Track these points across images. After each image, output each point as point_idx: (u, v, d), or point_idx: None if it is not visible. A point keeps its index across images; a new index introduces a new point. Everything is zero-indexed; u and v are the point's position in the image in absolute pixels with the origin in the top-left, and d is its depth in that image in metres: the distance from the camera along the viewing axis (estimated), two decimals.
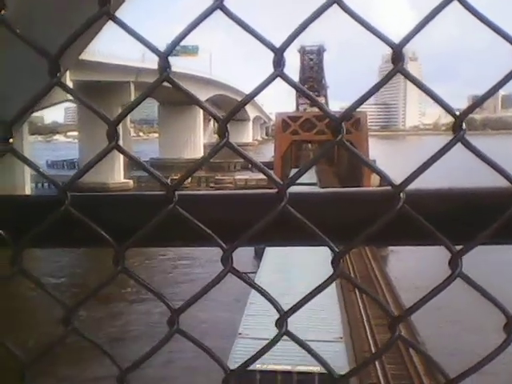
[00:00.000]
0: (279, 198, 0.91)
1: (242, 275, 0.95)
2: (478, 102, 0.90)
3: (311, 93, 0.92)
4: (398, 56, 0.84)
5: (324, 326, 17.34)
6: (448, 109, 0.87)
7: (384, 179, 0.89)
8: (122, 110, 0.92)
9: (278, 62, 0.85)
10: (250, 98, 0.89)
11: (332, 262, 0.90)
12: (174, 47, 0.88)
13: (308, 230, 0.90)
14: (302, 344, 0.96)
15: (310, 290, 0.92)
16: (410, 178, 0.87)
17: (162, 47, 0.88)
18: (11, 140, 0.94)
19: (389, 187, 0.90)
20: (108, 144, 0.90)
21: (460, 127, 0.86)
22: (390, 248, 39.46)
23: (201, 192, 1.01)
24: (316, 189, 1.00)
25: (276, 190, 0.92)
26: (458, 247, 0.89)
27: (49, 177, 1.00)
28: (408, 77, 0.86)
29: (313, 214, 0.92)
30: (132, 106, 0.92)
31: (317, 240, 0.90)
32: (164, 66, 0.87)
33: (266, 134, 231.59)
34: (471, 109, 0.89)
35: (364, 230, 0.89)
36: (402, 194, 0.88)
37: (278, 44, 0.86)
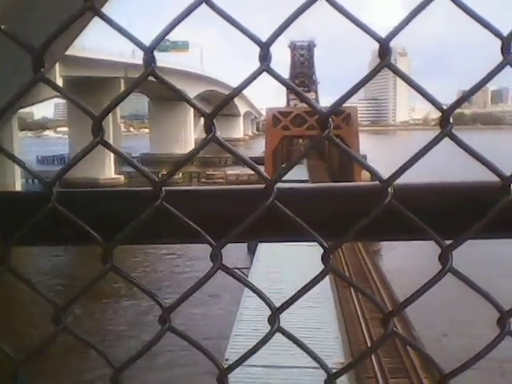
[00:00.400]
0: (267, 194, 0.90)
1: (232, 272, 0.94)
2: (464, 97, 0.90)
3: (300, 88, 0.92)
4: (385, 50, 0.84)
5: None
6: (435, 103, 0.87)
7: (372, 174, 0.88)
8: (107, 105, 0.91)
9: (264, 57, 0.85)
10: (236, 93, 0.88)
11: (322, 258, 0.89)
12: (160, 41, 0.87)
13: (297, 226, 0.89)
14: (295, 341, 0.95)
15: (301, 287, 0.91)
16: (398, 173, 0.87)
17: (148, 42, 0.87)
18: None
19: (377, 182, 0.89)
20: (93, 139, 0.89)
21: (447, 121, 0.86)
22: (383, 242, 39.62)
23: (189, 187, 1.00)
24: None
25: (264, 186, 0.91)
26: (448, 242, 0.89)
27: (34, 172, 0.99)
28: (395, 71, 0.85)
29: (302, 209, 0.91)
30: (117, 100, 0.91)
31: (306, 235, 0.90)
32: (149, 60, 0.86)
33: (257, 130, 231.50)
34: (458, 103, 0.88)
35: (353, 225, 0.89)
36: (389, 189, 0.88)
37: (264, 38, 0.85)
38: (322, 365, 0.96)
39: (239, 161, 0.92)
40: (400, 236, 0.94)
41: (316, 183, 1.03)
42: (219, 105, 0.88)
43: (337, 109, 0.86)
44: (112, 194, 1.01)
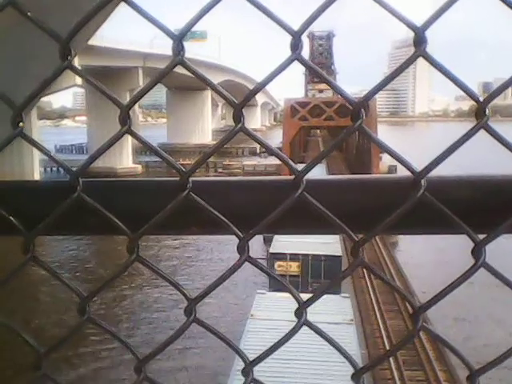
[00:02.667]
0: (296, 185, 0.89)
1: (259, 263, 0.93)
2: (500, 88, 0.87)
3: (330, 78, 0.89)
4: (420, 39, 0.81)
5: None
6: (471, 94, 0.84)
7: (404, 166, 0.86)
8: (133, 94, 0.90)
9: (296, 46, 0.83)
10: (266, 82, 0.86)
11: (351, 251, 0.88)
12: (188, 30, 0.85)
13: (326, 218, 0.88)
14: (322, 335, 0.94)
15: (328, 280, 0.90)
16: (432, 165, 0.85)
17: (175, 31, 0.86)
18: (21, 124, 0.92)
19: (408, 174, 0.87)
20: (120, 129, 0.88)
21: (483, 113, 0.83)
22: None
23: (215, 178, 0.99)
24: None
25: (293, 177, 0.89)
26: (481, 236, 0.87)
27: (60, 161, 0.98)
28: (431, 61, 0.83)
29: (331, 202, 0.89)
30: (144, 90, 0.90)
31: (335, 228, 0.88)
32: (178, 49, 0.85)
33: (275, 120, 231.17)
34: (495, 95, 0.86)
35: (383, 218, 0.87)
36: (423, 181, 0.85)
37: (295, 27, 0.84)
38: (349, 359, 0.95)
39: (267, 151, 0.91)
40: (432, 229, 0.92)
41: (333, 174, 1.02)
42: (248, 94, 0.86)
43: (370, 100, 0.84)
44: (138, 184, 1.00)
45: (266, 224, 0.90)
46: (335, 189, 0.93)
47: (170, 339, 0.97)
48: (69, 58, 0.89)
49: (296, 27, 0.83)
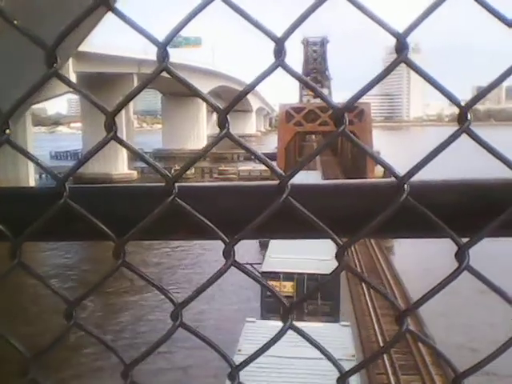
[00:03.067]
0: (281, 190, 0.89)
1: (245, 269, 0.94)
2: (483, 93, 0.88)
3: (314, 84, 0.90)
4: (402, 45, 0.82)
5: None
6: (453, 99, 0.85)
7: (388, 170, 0.87)
8: (120, 101, 0.90)
9: (279, 52, 0.84)
10: (250, 89, 0.87)
11: (336, 256, 0.88)
12: (173, 37, 0.86)
13: (311, 223, 0.88)
14: (308, 339, 0.94)
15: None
16: (414, 170, 0.85)
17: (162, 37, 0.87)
18: (8, 131, 0.92)
19: (393, 178, 0.88)
20: (106, 135, 0.88)
21: (465, 118, 0.84)
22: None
23: (201, 184, 1.00)
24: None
25: (278, 182, 0.90)
26: (465, 239, 0.88)
27: (47, 168, 0.98)
28: (412, 66, 0.84)
29: (316, 206, 0.90)
30: (130, 96, 0.90)
31: (320, 232, 0.89)
32: (162, 56, 0.85)
33: (270, 125, 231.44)
34: (476, 99, 0.87)
35: (367, 222, 0.88)
36: (405, 186, 0.86)
37: (279, 34, 0.84)
38: (335, 363, 0.95)
39: (253, 156, 0.91)
40: (416, 233, 0.93)
41: (329, 179, 1.02)
42: (233, 100, 0.87)
43: (352, 105, 0.85)
44: (124, 190, 1.00)
45: (252, 228, 0.91)
46: (320, 194, 0.94)
47: (157, 344, 0.98)
48: (55, 65, 0.89)
49: (280, 34, 0.84)
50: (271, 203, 0.90)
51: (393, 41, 0.83)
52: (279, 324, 0.94)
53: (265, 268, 22.66)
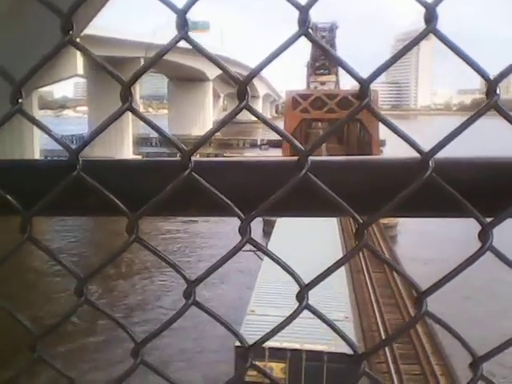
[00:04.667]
0: (300, 166, 0.87)
1: (261, 246, 0.91)
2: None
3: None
4: (431, 15, 0.79)
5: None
6: (482, 73, 0.82)
7: (411, 145, 0.84)
8: (134, 72, 0.87)
9: (304, 21, 0.80)
10: (271, 59, 0.84)
11: (355, 234, 0.86)
12: (193, 4, 0.83)
13: (331, 200, 0.86)
14: (324, 319, 0.92)
15: (332, 263, 0.88)
16: (439, 145, 0.83)
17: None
18: (20, 100, 0.90)
19: (414, 156, 0.86)
20: (121, 105, 0.86)
21: (494, 92, 0.81)
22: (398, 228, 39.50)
23: (218, 159, 0.97)
24: None
25: (297, 158, 0.88)
26: (488, 219, 0.85)
27: (59, 139, 0.96)
28: (441, 37, 0.80)
29: (336, 183, 0.87)
30: (146, 66, 0.88)
31: (340, 210, 0.86)
32: (182, 23, 0.83)
33: (276, 112, 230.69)
34: (505, 73, 0.84)
35: (389, 200, 0.85)
36: (430, 162, 0.84)
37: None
38: (352, 345, 0.93)
39: (272, 129, 0.89)
40: (438, 212, 0.90)
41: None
42: (253, 71, 0.84)
43: (378, 76, 0.82)
44: (139, 164, 0.98)
45: (269, 206, 0.88)
46: (340, 170, 0.91)
47: (169, 322, 0.96)
48: (70, 32, 0.87)
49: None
50: (289, 179, 0.87)
51: (402, 28, 0.80)
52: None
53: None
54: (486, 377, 0.92)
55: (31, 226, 0.97)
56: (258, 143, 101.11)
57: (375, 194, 0.89)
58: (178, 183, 0.89)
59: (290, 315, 0.92)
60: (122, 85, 0.85)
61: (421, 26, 0.83)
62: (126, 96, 0.86)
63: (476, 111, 0.81)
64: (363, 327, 21.14)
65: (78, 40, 0.91)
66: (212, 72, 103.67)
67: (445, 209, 0.88)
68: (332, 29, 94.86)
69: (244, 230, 0.90)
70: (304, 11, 0.80)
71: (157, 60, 0.86)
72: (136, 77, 0.87)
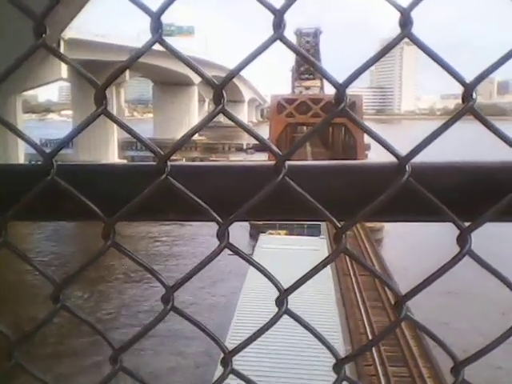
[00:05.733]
0: (277, 170, 0.86)
1: (239, 251, 0.90)
2: (486, 72, 0.85)
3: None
4: (406, 19, 0.79)
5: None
6: (457, 77, 0.82)
7: (388, 150, 0.84)
8: (109, 74, 0.86)
9: (278, 24, 0.80)
10: (246, 63, 0.83)
11: (334, 238, 0.85)
12: (167, 7, 0.82)
13: (309, 204, 0.85)
14: (303, 324, 0.91)
15: (310, 268, 0.87)
16: (416, 150, 0.82)
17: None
18: None
19: (393, 160, 0.85)
20: (96, 109, 0.85)
21: (470, 96, 0.81)
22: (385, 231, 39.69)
23: (195, 163, 0.96)
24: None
25: (274, 162, 0.87)
26: (467, 224, 0.85)
27: (33, 143, 0.94)
28: (416, 42, 0.80)
29: (314, 187, 0.87)
30: (121, 69, 0.87)
31: (318, 214, 0.85)
32: (156, 27, 0.82)
33: (261, 116, 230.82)
34: (480, 78, 0.84)
35: (367, 204, 0.84)
36: (407, 167, 0.83)
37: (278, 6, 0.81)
38: (331, 349, 0.93)
39: (250, 135, 0.88)
40: (416, 217, 0.90)
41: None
42: (229, 74, 0.83)
43: (352, 82, 0.82)
44: (115, 168, 0.96)
45: (247, 210, 0.87)
46: (318, 174, 0.91)
47: (147, 327, 0.95)
48: (43, 35, 0.86)
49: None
50: (267, 184, 0.86)
51: (385, 34, 0.80)
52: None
53: None
54: (467, 381, 0.92)
55: (6, 230, 0.95)
56: (244, 147, 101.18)
57: (353, 199, 0.88)
58: (154, 188, 0.88)
59: (270, 320, 0.92)
60: (96, 88, 0.84)
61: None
62: (101, 99, 0.85)
63: (452, 116, 0.81)
64: (351, 330, 21.18)
65: (61, 42, 0.90)
66: (197, 76, 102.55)
67: (423, 213, 0.88)
68: (316, 34, 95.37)
69: (222, 235, 0.89)
70: (279, 14, 0.79)
71: (131, 62, 0.85)
72: (110, 79, 0.86)
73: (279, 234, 24.03)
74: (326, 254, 0.88)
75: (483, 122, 0.81)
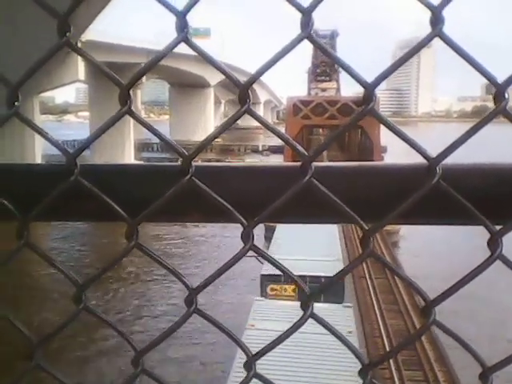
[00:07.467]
0: (303, 171, 0.84)
1: (263, 252, 0.89)
2: None
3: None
4: (437, 18, 0.77)
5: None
6: (489, 77, 0.80)
7: (417, 151, 0.82)
8: (133, 74, 0.85)
9: (307, 23, 0.78)
10: (273, 62, 0.82)
11: (361, 241, 0.84)
12: (194, 5, 0.81)
13: (335, 206, 0.83)
14: (330, 329, 0.90)
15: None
16: (448, 151, 0.80)
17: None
18: (17, 103, 0.88)
19: (421, 162, 0.83)
20: (120, 109, 0.84)
21: (502, 96, 0.79)
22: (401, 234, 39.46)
23: (219, 164, 0.95)
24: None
25: (300, 163, 0.85)
26: (497, 227, 0.83)
27: (56, 142, 0.94)
28: (447, 41, 0.78)
29: (340, 189, 0.85)
30: (146, 68, 0.86)
31: (344, 217, 0.84)
32: (182, 25, 0.81)
33: (277, 118, 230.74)
34: None
35: (395, 207, 0.83)
36: (437, 168, 0.81)
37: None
38: (357, 354, 0.91)
39: (274, 134, 0.86)
40: (445, 220, 0.88)
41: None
42: (256, 73, 0.82)
43: (382, 81, 0.80)
44: (138, 168, 0.95)
45: (272, 211, 0.86)
46: (345, 175, 0.89)
47: (170, 330, 0.94)
48: (67, 34, 0.85)
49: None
50: (293, 185, 0.85)
51: (404, 36, 0.78)
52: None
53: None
54: None
55: (28, 231, 0.94)
56: (260, 149, 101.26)
57: (381, 201, 0.86)
58: (179, 188, 0.87)
59: (294, 324, 0.90)
60: (121, 87, 0.83)
61: (421, 34, 0.81)
62: (125, 99, 0.84)
63: (484, 117, 0.79)
64: (366, 333, 21.06)
65: (78, 44, 0.90)
66: (213, 78, 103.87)
67: (452, 216, 0.86)
68: (333, 36, 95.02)
69: (246, 237, 0.87)
70: (307, 13, 0.78)
71: (155, 63, 0.84)
72: (134, 79, 0.86)
73: (285, 289, 19.73)
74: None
75: None
